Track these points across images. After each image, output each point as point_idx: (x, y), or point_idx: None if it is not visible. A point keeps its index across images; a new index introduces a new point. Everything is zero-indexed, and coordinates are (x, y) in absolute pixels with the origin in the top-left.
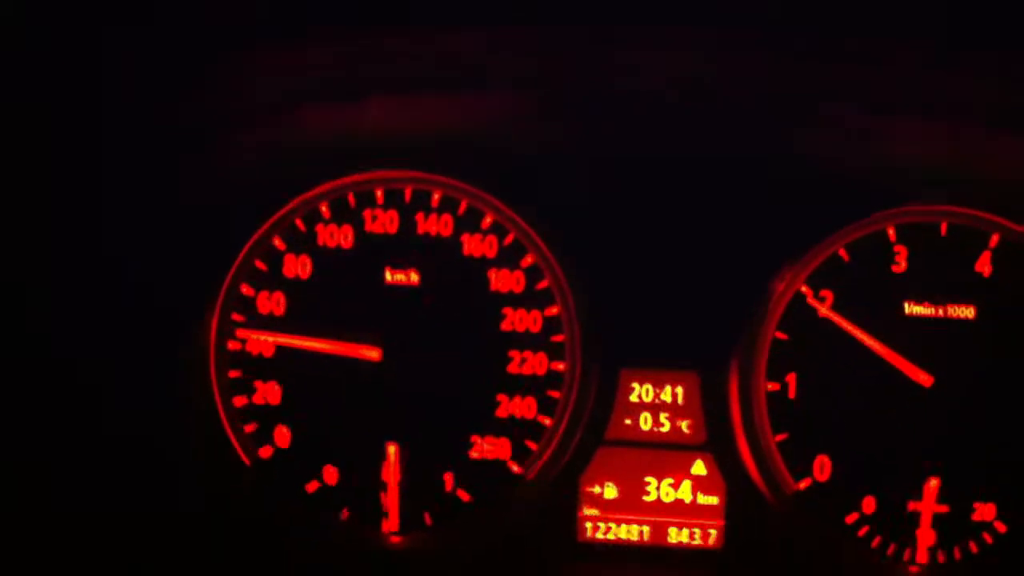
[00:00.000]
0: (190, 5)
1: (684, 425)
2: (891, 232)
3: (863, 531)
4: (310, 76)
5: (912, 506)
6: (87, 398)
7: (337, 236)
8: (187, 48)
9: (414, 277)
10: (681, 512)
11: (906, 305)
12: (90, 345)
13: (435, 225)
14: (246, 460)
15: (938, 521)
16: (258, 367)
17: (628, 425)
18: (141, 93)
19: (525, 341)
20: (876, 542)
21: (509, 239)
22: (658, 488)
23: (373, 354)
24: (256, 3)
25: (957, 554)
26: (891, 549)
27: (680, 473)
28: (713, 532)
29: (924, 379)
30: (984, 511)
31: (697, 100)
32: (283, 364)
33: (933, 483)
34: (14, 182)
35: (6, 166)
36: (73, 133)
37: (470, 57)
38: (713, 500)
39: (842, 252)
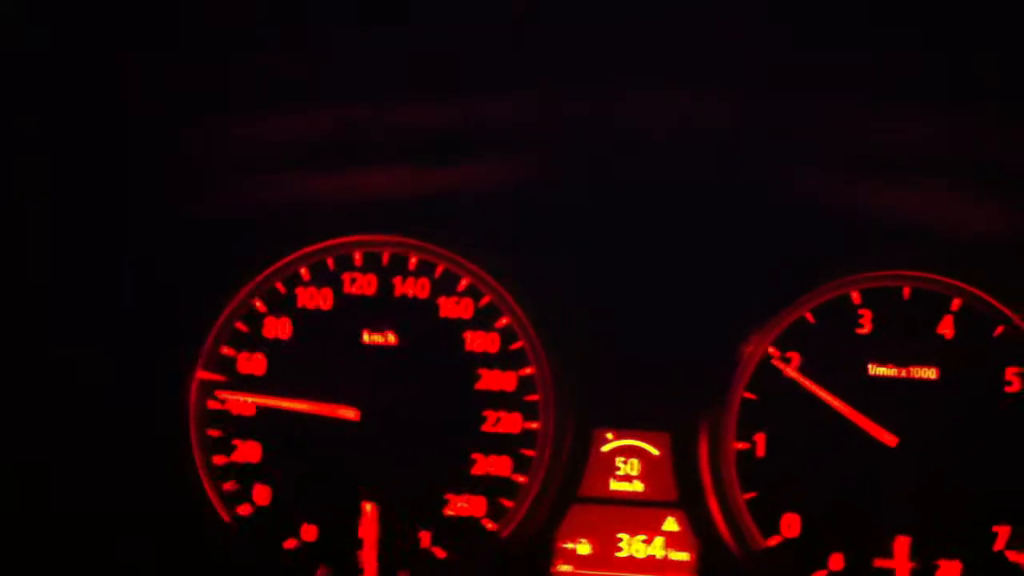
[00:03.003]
0: (173, 66)
1: (656, 483)
2: (855, 296)
3: None
4: (288, 145)
5: (878, 563)
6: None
7: (317, 298)
8: (168, 110)
9: (391, 338)
10: (653, 568)
11: (870, 366)
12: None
13: (412, 288)
14: (225, 517)
15: None
16: (238, 426)
17: (601, 483)
18: (130, 143)
19: (500, 401)
20: None
21: (484, 301)
22: (631, 544)
23: (350, 414)
24: (235, 72)
25: None
26: None
27: (652, 530)
28: None
29: (889, 439)
30: (950, 568)
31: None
32: (263, 423)
33: (903, 540)
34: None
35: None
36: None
37: (445, 128)
38: (685, 556)
39: (808, 315)
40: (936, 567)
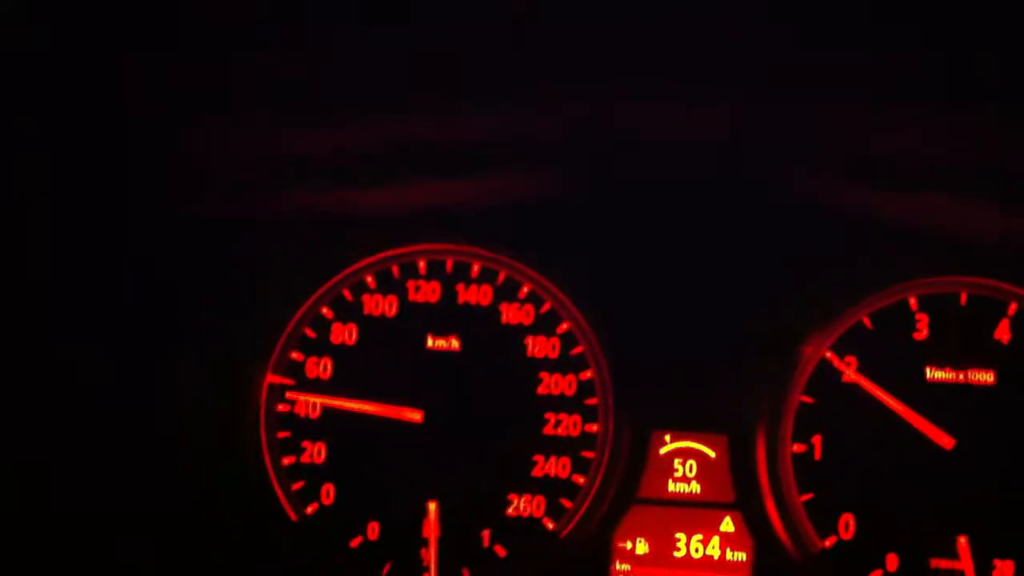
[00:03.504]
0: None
1: (713, 484)
2: (913, 301)
3: None
4: (342, 158)
5: (935, 563)
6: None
7: (382, 305)
8: (221, 117)
9: (455, 343)
10: (710, 568)
11: (928, 371)
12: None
13: (475, 295)
14: (293, 516)
15: None
16: (306, 428)
17: (659, 484)
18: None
19: (560, 404)
20: None
21: (545, 307)
22: (688, 544)
23: (415, 416)
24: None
25: None
26: None
27: (709, 530)
28: None
29: (946, 442)
30: (1004, 568)
31: (724, 166)
32: (329, 425)
33: (963, 540)
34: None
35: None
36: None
37: (503, 133)
38: (741, 556)
39: (866, 320)
40: (992, 567)
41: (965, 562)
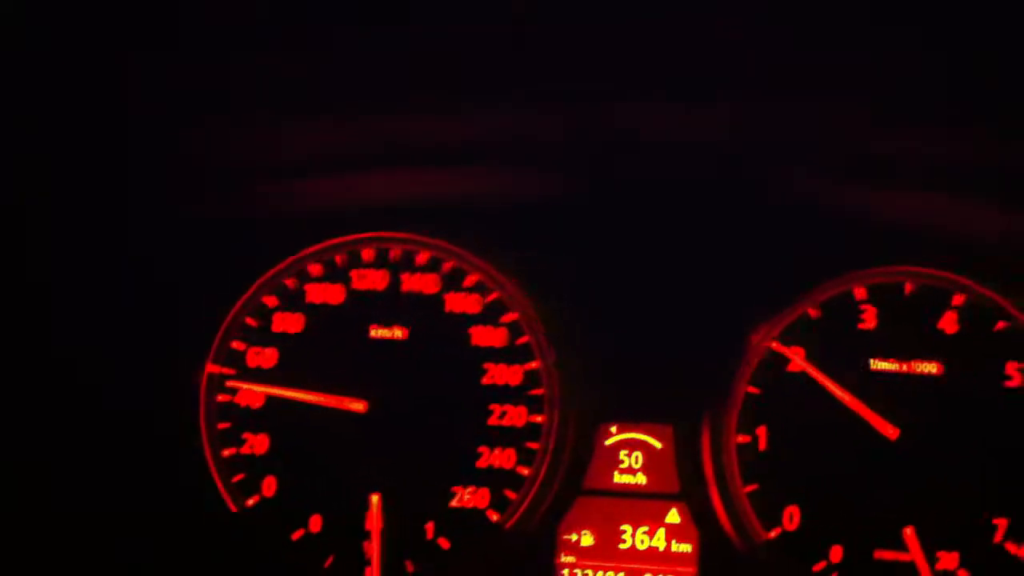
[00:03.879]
0: (176, 66)
1: (658, 475)
2: (858, 291)
3: None
4: (303, 148)
5: (879, 555)
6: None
7: (326, 294)
8: (169, 110)
9: (399, 333)
10: (655, 559)
11: (872, 361)
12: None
13: (421, 283)
14: (233, 508)
15: (902, 570)
16: (247, 419)
17: (605, 475)
18: (131, 143)
19: (505, 394)
20: None
21: (492, 297)
22: (633, 536)
23: (358, 406)
24: (246, 78)
25: None
26: None
27: (655, 521)
28: None
29: (890, 432)
30: (948, 560)
31: (671, 164)
32: (271, 416)
33: (910, 531)
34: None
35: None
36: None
37: (451, 135)
38: (686, 548)
39: (811, 310)
40: (936, 559)
41: (915, 552)
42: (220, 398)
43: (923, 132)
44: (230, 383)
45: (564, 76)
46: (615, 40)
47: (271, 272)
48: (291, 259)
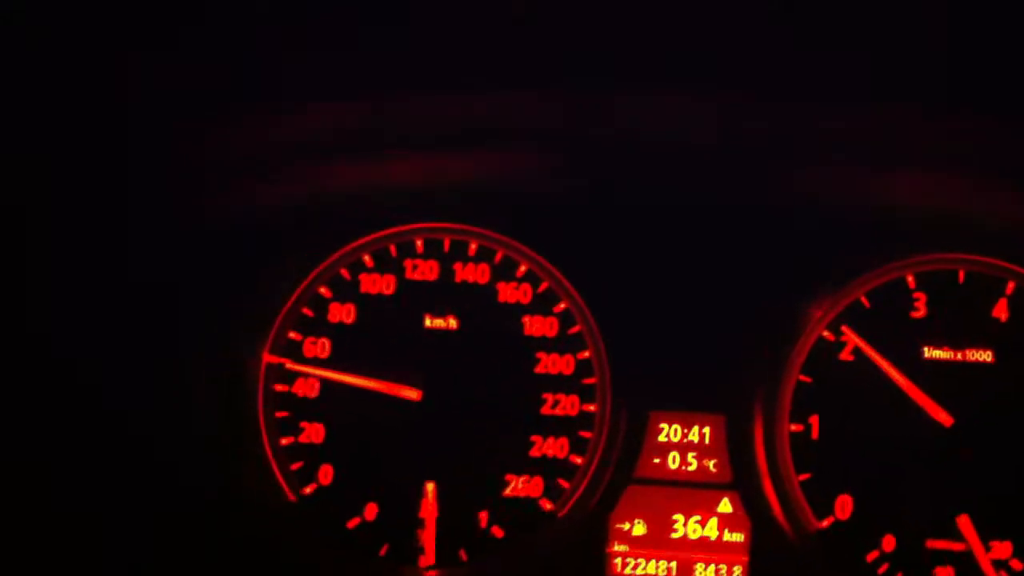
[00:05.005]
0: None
1: (711, 464)
2: (910, 279)
3: (883, 569)
4: (345, 133)
5: (931, 544)
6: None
7: (380, 284)
8: (219, 96)
9: (452, 323)
10: (707, 549)
11: (925, 349)
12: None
13: (472, 273)
14: (291, 496)
15: (956, 559)
16: (304, 408)
17: (656, 464)
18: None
19: (558, 384)
20: None
21: (543, 287)
22: (685, 525)
23: (413, 394)
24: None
25: None
26: None
27: (707, 511)
28: (738, 569)
29: (944, 419)
30: (1000, 549)
31: (720, 148)
32: (327, 405)
33: (965, 520)
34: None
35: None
36: (104, 168)
37: (497, 117)
38: (738, 537)
39: (863, 298)
40: (988, 548)
41: (972, 541)
42: (278, 388)
43: (970, 119)
44: (289, 365)
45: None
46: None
47: (326, 262)
48: (345, 249)
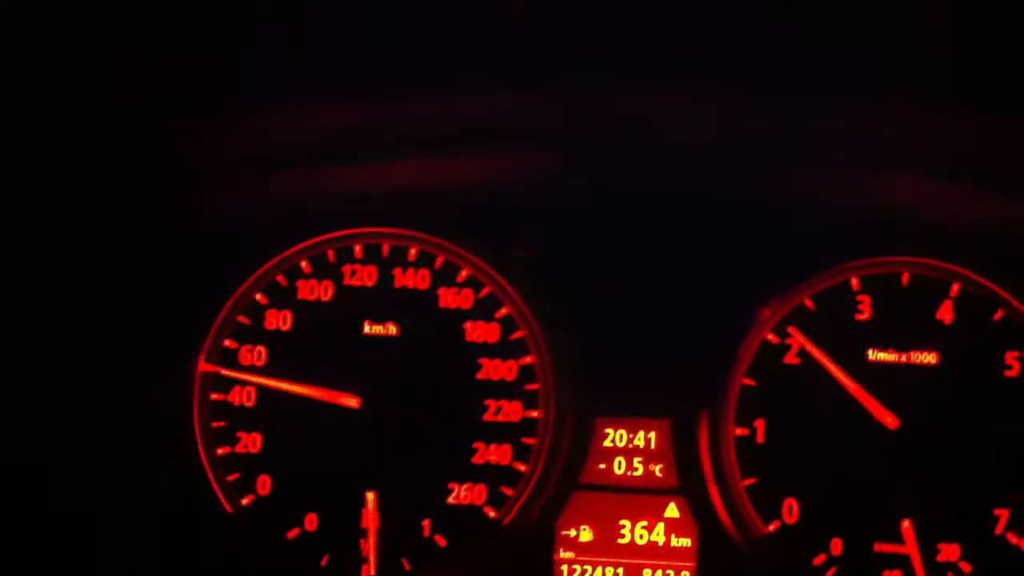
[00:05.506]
0: (172, 65)
1: (657, 469)
2: (854, 282)
3: (830, 572)
4: (290, 139)
5: (879, 547)
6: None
7: (317, 290)
8: (166, 108)
9: (392, 329)
10: (655, 554)
11: (870, 352)
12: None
13: (412, 279)
14: (228, 508)
15: (903, 563)
16: (240, 417)
17: (602, 470)
18: (130, 143)
19: (501, 390)
20: None
21: (484, 292)
22: (632, 531)
23: (352, 402)
24: (241, 69)
25: None
26: None
27: (653, 516)
28: (685, 574)
29: (890, 421)
30: (949, 551)
31: (670, 149)
32: (265, 414)
33: (907, 524)
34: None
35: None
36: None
37: (443, 122)
38: (686, 542)
39: (808, 302)
40: (937, 551)
41: (910, 546)
42: (213, 396)
43: (918, 121)
44: (225, 372)
45: (566, 63)
46: (612, 36)
47: (262, 269)
48: (281, 255)
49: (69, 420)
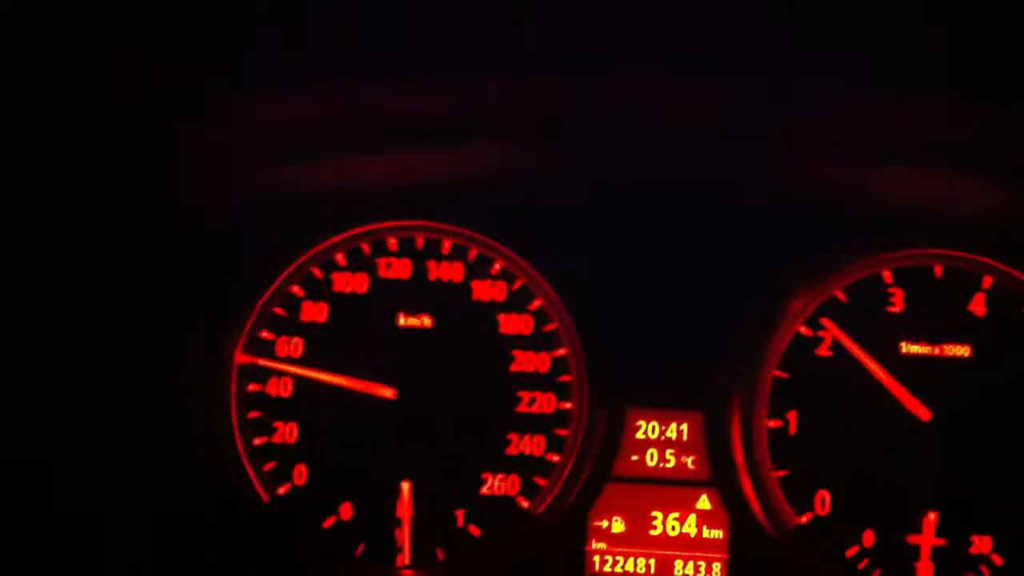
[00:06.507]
0: (200, 48)
1: (689, 461)
2: (887, 274)
3: (863, 564)
4: (315, 128)
5: (911, 539)
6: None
7: (352, 283)
8: (193, 90)
9: (427, 321)
10: (686, 546)
11: (903, 345)
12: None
13: (446, 271)
14: (265, 497)
15: (936, 554)
16: (277, 408)
17: (634, 461)
18: (155, 123)
19: (534, 381)
20: (876, 575)
21: (518, 284)
22: (664, 522)
23: (387, 393)
24: (261, 55)
25: None
26: None
27: (685, 508)
28: (717, 566)
29: (923, 413)
30: (981, 544)
31: (697, 140)
32: (301, 405)
33: (931, 516)
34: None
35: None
36: (90, 157)
37: (468, 110)
38: (717, 534)
39: (840, 294)
40: (969, 543)
41: (927, 538)
42: (250, 387)
43: (949, 112)
44: (262, 361)
45: (578, 50)
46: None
47: (298, 261)
48: (317, 248)
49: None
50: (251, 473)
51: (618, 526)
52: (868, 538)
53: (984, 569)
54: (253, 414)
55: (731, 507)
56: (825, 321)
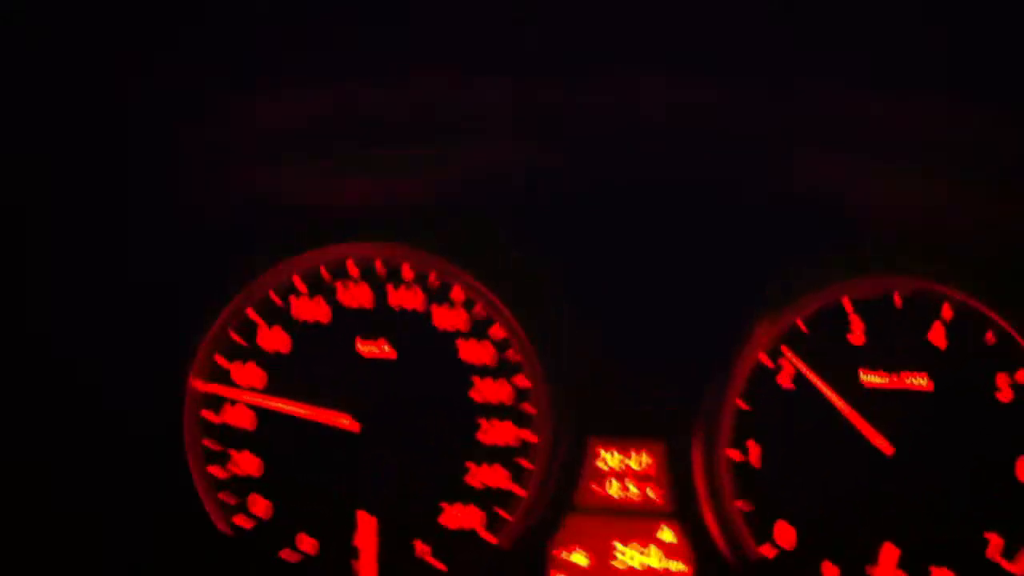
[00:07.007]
0: (169, 61)
1: (651, 491)
2: (847, 303)
3: None
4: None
5: (871, 572)
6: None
7: (311, 308)
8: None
9: (387, 348)
10: None
11: (863, 375)
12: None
13: (407, 298)
14: (223, 528)
15: None
16: (236, 438)
17: (596, 492)
18: (130, 143)
19: (494, 410)
20: None
21: (477, 310)
22: (627, 554)
23: (349, 423)
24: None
25: None
26: None
27: (648, 539)
28: None
29: (885, 447)
30: None
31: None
32: (260, 436)
33: (892, 549)
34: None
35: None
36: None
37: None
38: (680, 566)
39: (800, 323)
40: (928, 575)
41: (888, 569)
42: (209, 416)
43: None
44: (215, 387)
45: (557, 65)
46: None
47: (254, 285)
48: (273, 269)
49: (69, 420)
50: (208, 504)
51: (579, 557)
52: (829, 570)
53: None
54: (209, 443)
55: (693, 539)
56: (785, 350)
